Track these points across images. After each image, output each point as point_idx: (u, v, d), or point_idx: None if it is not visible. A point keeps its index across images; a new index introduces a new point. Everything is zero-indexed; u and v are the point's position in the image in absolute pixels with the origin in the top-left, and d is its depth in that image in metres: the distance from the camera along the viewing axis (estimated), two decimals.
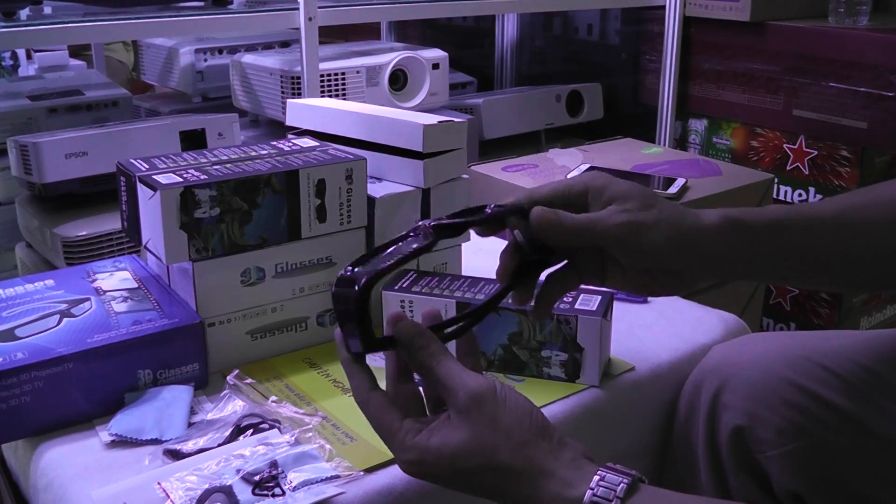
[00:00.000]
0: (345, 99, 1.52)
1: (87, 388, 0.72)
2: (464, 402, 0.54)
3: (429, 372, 0.56)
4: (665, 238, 0.59)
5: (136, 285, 0.84)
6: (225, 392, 0.74)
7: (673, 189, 1.33)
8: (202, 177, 0.77)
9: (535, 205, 0.60)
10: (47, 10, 1.39)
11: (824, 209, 0.63)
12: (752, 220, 0.60)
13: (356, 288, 0.53)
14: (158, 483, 0.63)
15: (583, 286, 0.65)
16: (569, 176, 1.38)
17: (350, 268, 0.55)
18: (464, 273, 0.94)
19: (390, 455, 0.60)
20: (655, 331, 0.88)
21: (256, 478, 0.63)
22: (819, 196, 1.67)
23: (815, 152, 1.67)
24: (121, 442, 0.69)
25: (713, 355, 0.80)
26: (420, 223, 0.58)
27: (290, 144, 0.90)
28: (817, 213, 0.62)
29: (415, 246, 0.56)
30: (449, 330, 0.62)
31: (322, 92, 1.48)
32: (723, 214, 0.60)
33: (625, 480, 0.51)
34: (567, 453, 0.53)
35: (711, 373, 0.78)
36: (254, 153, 0.86)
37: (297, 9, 1.38)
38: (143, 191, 0.77)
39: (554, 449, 0.53)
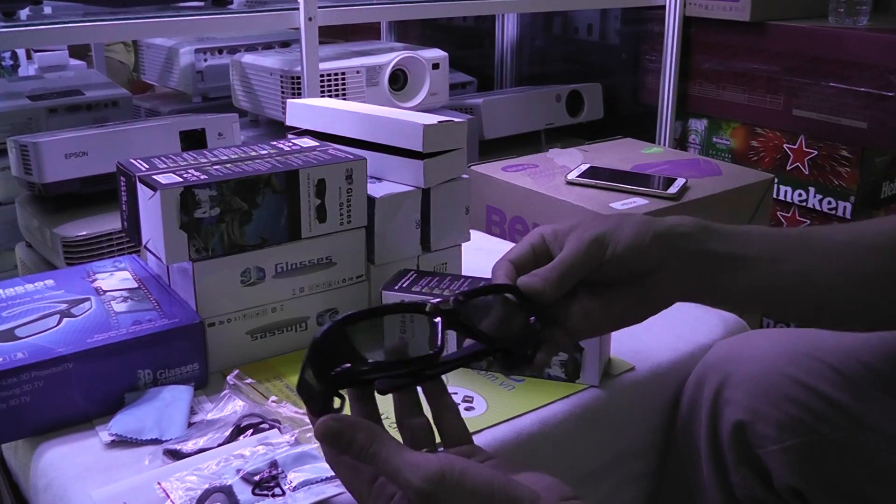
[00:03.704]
0: (345, 99, 1.52)
1: (87, 388, 0.72)
2: (416, 495, 0.48)
3: (373, 463, 0.51)
4: (633, 230, 0.59)
5: (136, 285, 0.84)
6: (225, 392, 0.74)
7: (673, 189, 1.32)
8: (202, 177, 0.77)
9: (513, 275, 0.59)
10: (47, 10, 1.39)
11: (790, 230, 0.65)
12: (717, 224, 0.61)
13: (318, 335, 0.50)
14: (158, 483, 0.63)
15: None
16: (568, 177, 1.38)
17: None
18: (464, 273, 0.94)
19: None
20: (655, 331, 0.88)
21: (256, 478, 0.63)
22: (819, 196, 1.67)
23: (815, 152, 1.67)
24: (121, 442, 0.69)
25: (716, 351, 0.80)
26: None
27: (290, 144, 0.90)
28: (783, 232, 0.64)
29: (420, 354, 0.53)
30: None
31: (322, 92, 1.48)
32: (686, 217, 0.61)
33: None
34: None
35: (714, 368, 0.78)
36: (254, 153, 0.86)
37: (297, 9, 1.38)
38: (143, 191, 0.77)
39: None
